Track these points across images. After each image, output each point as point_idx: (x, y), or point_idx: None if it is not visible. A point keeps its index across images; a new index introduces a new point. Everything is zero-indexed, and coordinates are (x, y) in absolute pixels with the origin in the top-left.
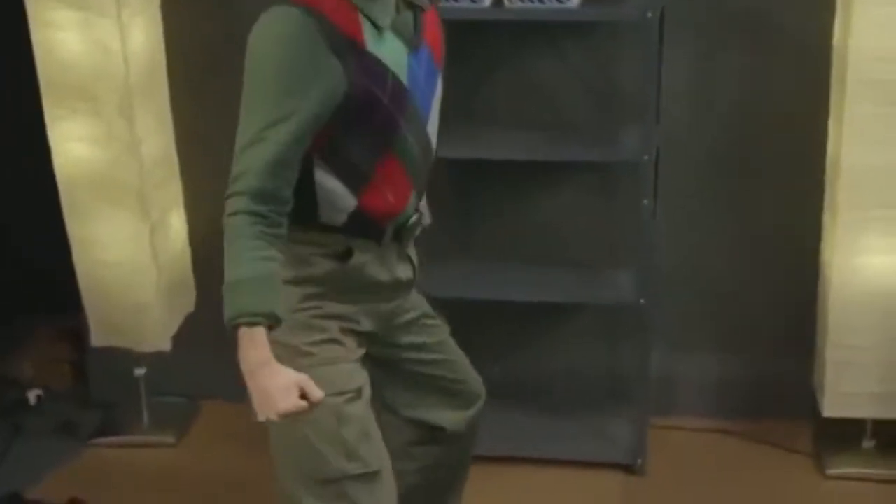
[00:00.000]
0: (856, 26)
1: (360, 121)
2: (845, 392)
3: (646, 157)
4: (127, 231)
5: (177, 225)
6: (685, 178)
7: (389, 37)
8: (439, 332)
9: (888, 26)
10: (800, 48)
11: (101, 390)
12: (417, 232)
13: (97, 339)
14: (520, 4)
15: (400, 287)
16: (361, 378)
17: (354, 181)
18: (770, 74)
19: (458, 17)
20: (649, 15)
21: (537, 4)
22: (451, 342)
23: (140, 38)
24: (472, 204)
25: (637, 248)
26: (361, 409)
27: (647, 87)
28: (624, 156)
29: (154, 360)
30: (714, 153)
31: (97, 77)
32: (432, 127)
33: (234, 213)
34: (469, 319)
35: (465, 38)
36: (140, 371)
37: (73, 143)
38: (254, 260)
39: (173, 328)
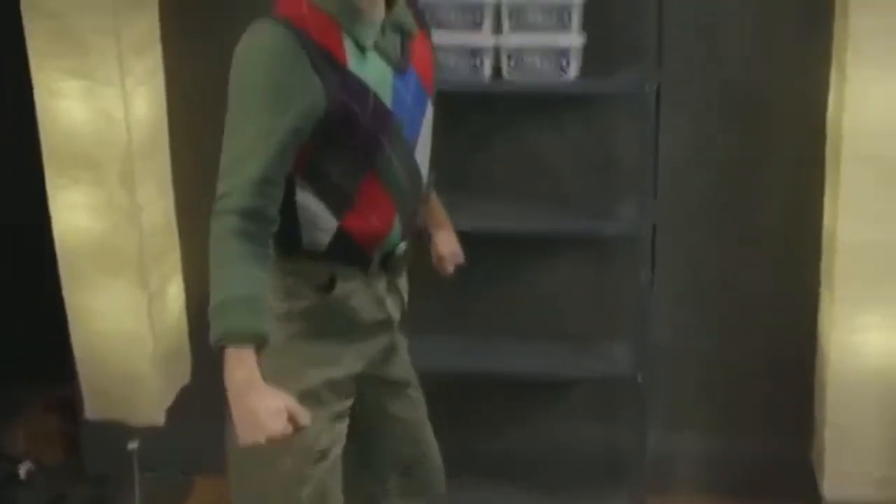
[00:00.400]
0: (850, 102)
1: (340, 139)
2: (846, 472)
3: (642, 231)
4: (124, 301)
5: (174, 294)
6: (682, 252)
7: (373, 57)
8: (418, 409)
9: (883, 102)
10: (796, 122)
11: (95, 463)
12: (406, 262)
13: (91, 410)
14: (518, 76)
15: (388, 322)
16: (331, 438)
17: (336, 202)
18: (766, 148)
19: (457, 88)
20: (646, 88)
21: (535, 77)
22: (428, 426)
23: (143, 106)
24: (467, 274)
25: (634, 321)
26: (323, 471)
27: (644, 160)
28: (621, 229)
29: (148, 433)
30: (711, 226)
31: (100, 146)
32: (422, 152)
33: (223, 234)
34: (463, 393)
35: (463, 107)
36: (133, 444)
37: (73, 212)
38: (241, 279)
39: (168, 400)
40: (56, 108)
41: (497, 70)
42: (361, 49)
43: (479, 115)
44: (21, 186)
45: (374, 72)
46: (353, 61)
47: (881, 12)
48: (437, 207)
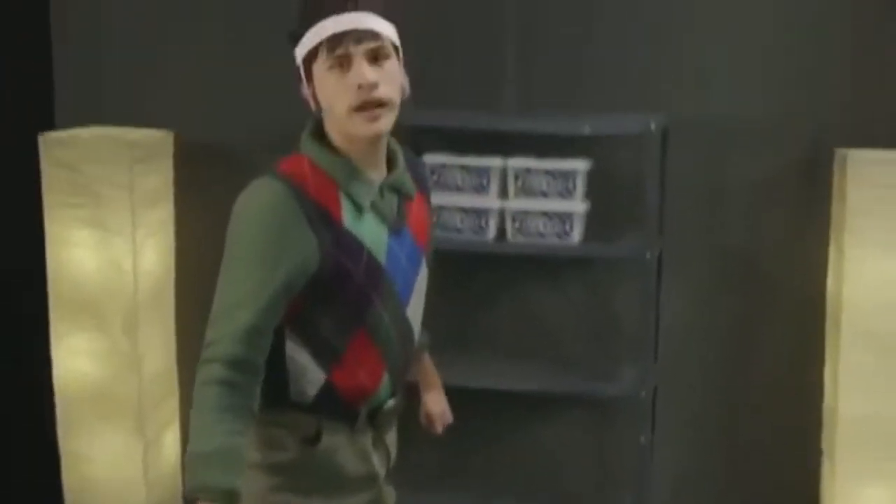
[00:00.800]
0: (848, 278)
1: (332, 294)
2: None
3: (643, 394)
4: (120, 447)
5: (171, 443)
6: (683, 415)
7: (369, 216)
8: None
9: (880, 279)
10: (795, 294)
11: None
12: (395, 418)
13: None
14: (522, 239)
15: (373, 478)
16: None
17: (325, 356)
18: (766, 316)
19: (462, 248)
20: (648, 255)
21: (539, 239)
22: None
23: (152, 257)
24: (469, 431)
25: (634, 482)
26: None
27: (645, 324)
28: (621, 391)
29: None
30: (711, 391)
31: (106, 294)
32: (414, 311)
33: (208, 382)
34: None
35: (467, 267)
36: None
37: (75, 358)
38: (221, 434)
39: None
40: (66, 256)
41: (502, 231)
42: (358, 208)
43: (484, 275)
44: (24, 330)
45: (369, 230)
46: (349, 219)
47: (878, 193)
48: (429, 367)
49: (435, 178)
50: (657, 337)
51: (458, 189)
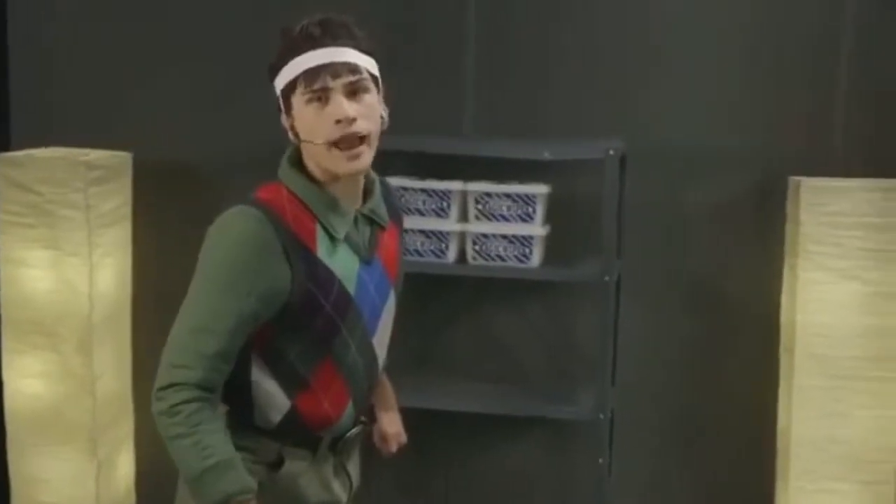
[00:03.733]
0: (802, 302)
1: (300, 323)
2: None
3: (601, 416)
4: (72, 469)
5: (124, 464)
6: (640, 437)
7: (343, 247)
8: None
9: (834, 303)
10: (751, 318)
11: None
12: (357, 446)
13: None
14: (482, 262)
15: None
16: None
17: (291, 383)
18: (722, 341)
19: (422, 270)
20: (606, 279)
21: (499, 262)
22: None
23: (108, 277)
24: (426, 454)
25: (593, 503)
26: None
27: (603, 348)
28: (579, 414)
29: None
30: (669, 413)
31: (61, 315)
32: (381, 341)
33: (175, 406)
34: None
35: (428, 290)
36: None
37: (27, 379)
38: (220, 443)
39: None
40: (20, 276)
41: (462, 254)
42: (333, 239)
43: (444, 298)
44: None
45: (342, 261)
46: (322, 250)
47: (830, 220)
48: (386, 388)
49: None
50: (615, 360)
51: (419, 212)
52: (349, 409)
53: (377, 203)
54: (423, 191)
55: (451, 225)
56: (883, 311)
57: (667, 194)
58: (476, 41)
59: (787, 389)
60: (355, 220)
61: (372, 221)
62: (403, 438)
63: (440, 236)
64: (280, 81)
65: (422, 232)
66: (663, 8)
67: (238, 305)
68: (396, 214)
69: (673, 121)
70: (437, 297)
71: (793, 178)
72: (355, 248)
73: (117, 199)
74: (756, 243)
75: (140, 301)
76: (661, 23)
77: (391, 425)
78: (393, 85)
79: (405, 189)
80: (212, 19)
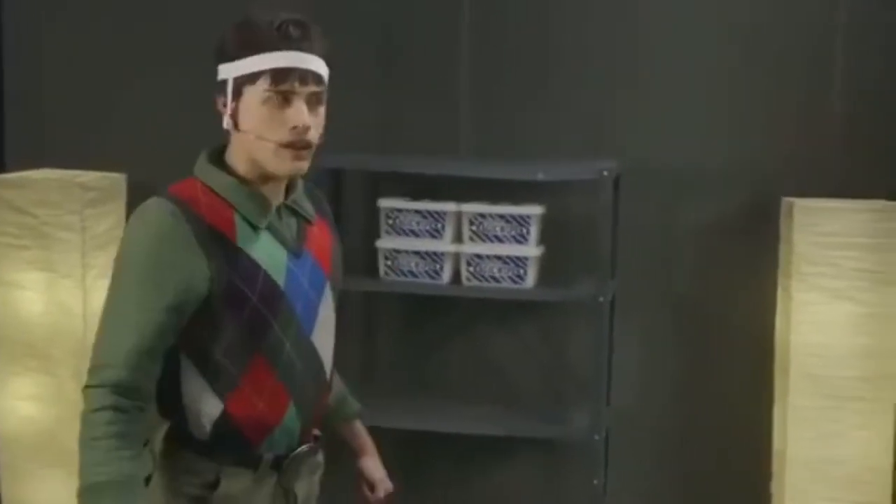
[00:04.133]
0: (796, 322)
1: (226, 317)
2: None
3: (596, 437)
4: (65, 493)
5: None
6: (635, 457)
7: (266, 237)
8: None
9: (827, 322)
10: (745, 338)
11: None
12: (304, 469)
13: None
14: (477, 283)
15: None
16: None
17: (220, 382)
18: (716, 360)
19: (417, 291)
20: (601, 299)
21: (493, 283)
22: None
23: (102, 299)
24: (421, 475)
25: None
26: None
27: (597, 368)
28: (574, 434)
29: None
30: (663, 433)
31: (54, 337)
32: (322, 339)
33: (95, 409)
34: None
35: (422, 311)
36: None
37: (20, 402)
38: (114, 461)
39: None
40: (14, 298)
41: (456, 275)
42: (254, 228)
43: (438, 319)
44: None
45: (266, 251)
46: (242, 239)
47: (823, 240)
48: (362, 433)
49: (391, 222)
50: (610, 380)
51: (414, 233)
52: (290, 415)
53: (300, 196)
54: (418, 212)
55: (445, 246)
56: (877, 332)
57: (660, 215)
58: (470, 63)
59: (782, 409)
60: (278, 212)
61: (297, 214)
62: (389, 485)
63: (435, 257)
64: (237, 68)
65: (416, 253)
66: (655, 29)
67: (156, 299)
68: (325, 214)
69: (666, 141)
70: (431, 318)
71: (786, 199)
72: (281, 240)
73: (111, 221)
74: (750, 263)
75: None
76: (654, 43)
77: (375, 471)
78: (387, 106)
79: (399, 210)
80: (208, 41)
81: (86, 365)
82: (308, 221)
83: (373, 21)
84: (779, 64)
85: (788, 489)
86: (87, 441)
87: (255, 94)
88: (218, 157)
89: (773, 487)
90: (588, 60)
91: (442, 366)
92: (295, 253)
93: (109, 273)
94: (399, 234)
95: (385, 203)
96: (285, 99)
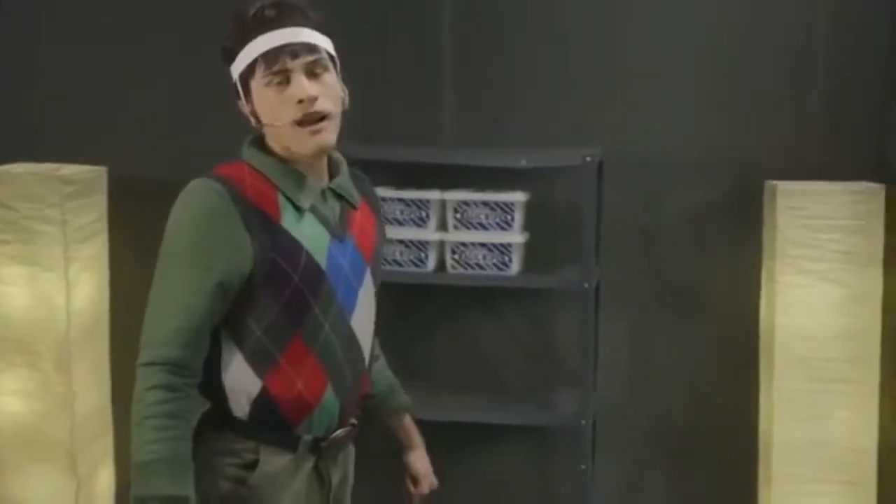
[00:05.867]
0: (780, 305)
1: (268, 296)
2: None
3: (583, 422)
4: (51, 488)
5: (104, 482)
6: (621, 444)
7: (310, 219)
8: None
9: (812, 305)
10: (730, 321)
11: None
12: (340, 454)
13: None
14: (462, 270)
15: None
16: None
17: (260, 361)
18: (701, 345)
19: (402, 280)
20: (585, 286)
21: (478, 271)
22: None
23: (85, 292)
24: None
25: None
26: None
27: (583, 354)
28: (561, 420)
29: None
30: (650, 420)
31: (38, 331)
32: (362, 324)
33: (148, 388)
34: None
35: (407, 299)
36: None
37: (4, 397)
38: (165, 440)
39: None
40: None
41: (441, 263)
42: (298, 209)
43: (424, 307)
44: None
45: (309, 233)
46: (288, 220)
47: (807, 223)
48: (411, 427)
49: None
50: (596, 366)
51: (398, 222)
52: (329, 396)
53: (345, 180)
54: (402, 200)
55: (429, 234)
56: (860, 314)
57: (644, 200)
58: (452, 51)
59: (768, 392)
60: (323, 195)
61: (342, 198)
62: (434, 480)
63: (419, 245)
64: (237, 66)
65: (401, 241)
66: (637, 16)
67: (204, 278)
68: (372, 200)
69: (648, 127)
70: (416, 306)
71: (769, 182)
72: (324, 222)
73: (93, 214)
74: (734, 247)
75: (117, 316)
76: (636, 30)
77: (422, 464)
78: (370, 95)
79: (384, 199)
80: (186, 34)
81: (69, 357)
82: (353, 206)
83: (355, 9)
84: (760, 48)
85: (775, 471)
86: (140, 419)
87: (258, 85)
88: (261, 143)
89: (760, 470)
90: (570, 48)
91: (428, 354)
92: (338, 236)
93: (94, 267)
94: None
95: None
96: (284, 78)
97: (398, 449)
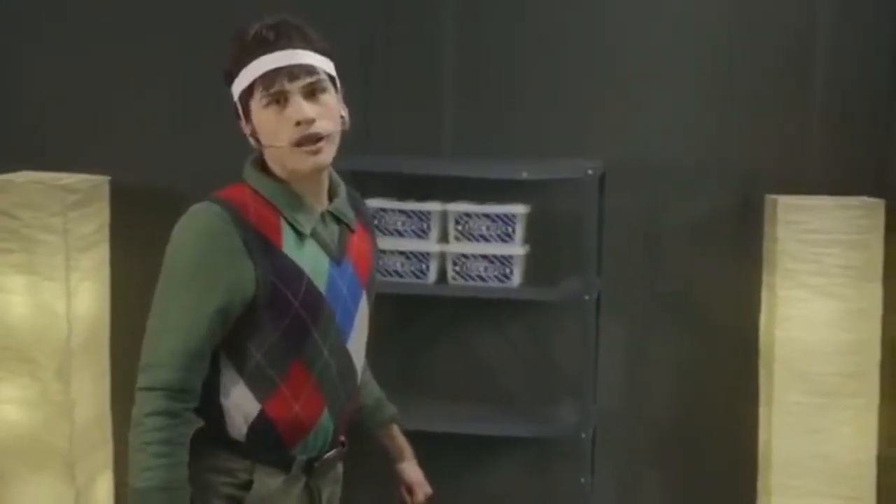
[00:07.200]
0: (781, 318)
1: (269, 321)
2: None
3: (583, 435)
4: (50, 497)
5: (103, 490)
6: (622, 456)
7: (310, 243)
8: None
9: (812, 319)
10: (730, 334)
11: None
12: (330, 473)
13: None
14: (463, 282)
15: None
16: None
17: (259, 385)
18: (702, 357)
19: (403, 291)
20: (587, 297)
21: (479, 282)
22: None
23: (86, 301)
24: None
25: None
26: None
27: (584, 366)
28: (562, 432)
29: None
30: (650, 431)
31: (39, 340)
32: (355, 347)
33: (149, 414)
34: None
35: (408, 311)
36: None
37: (4, 406)
38: (162, 467)
39: None
40: None
41: (442, 275)
42: (299, 234)
43: (425, 318)
44: None
45: (310, 257)
46: (289, 245)
47: (807, 237)
48: (400, 438)
49: (376, 222)
50: (596, 378)
51: (399, 233)
52: (324, 419)
53: (343, 203)
54: (403, 212)
55: (431, 246)
56: (860, 328)
57: (645, 213)
58: (454, 63)
59: (767, 405)
60: (322, 219)
61: (339, 221)
62: (428, 489)
63: (420, 257)
64: (237, 87)
65: (402, 253)
66: (638, 28)
67: (205, 302)
68: (366, 221)
69: (651, 140)
70: (417, 317)
71: (769, 197)
72: (324, 246)
73: (95, 223)
74: (734, 260)
75: (118, 325)
76: (637, 41)
77: (415, 473)
78: (371, 107)
79: (384, 210)
80: (188, 43)
81: (69, 366)
82: (350, 229)
83: (356, 21)
84: (762, 62)
85: (774, 484)
86: (139, 445)
87: (257, 106)
88: (261, 163)
89: (759, 483)
90: (572, 60)
91: (428, 365)
92: (336, 260)
93: (95, 276)
94: (384, 234)
95: (370, 203)
96: (282, 100)
97: (389, 460)
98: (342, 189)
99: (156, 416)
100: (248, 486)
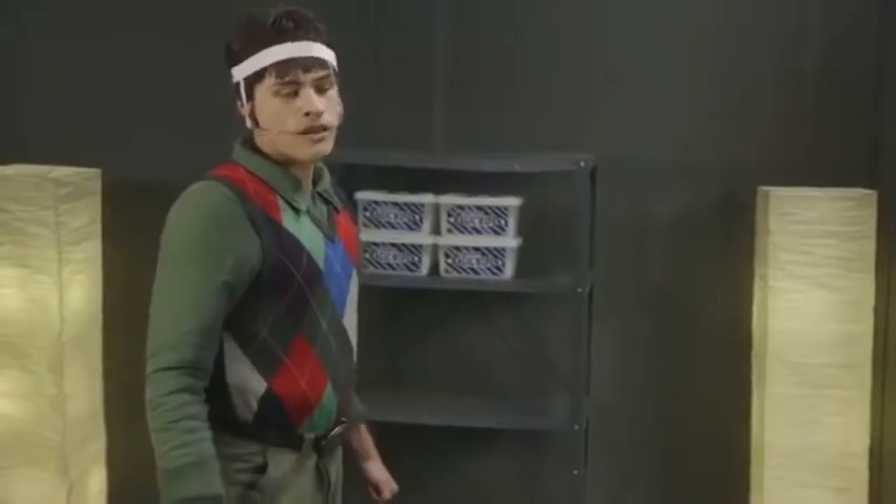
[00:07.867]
0: (773, 310)
1: (272, 295)
2: None
3: (576, 427)
4: (43, 491)
5: (96, 484)
6: (615, 448)
7: (306, 221)
8: None
9: (804, 311)
10: (723, 327)
11: None
12: (337, 451)
13: None
14: (455, 274)
15: None
16: None
17: (265, 362)
18: (694, 350)
19: (395, 283)
20: (579, 290)
21: (472, 275)
22: None
23: (78, 295)
24: (399, 468)
25: None
26: None
27: (576, 359)
28: (554, 425)
29: None
30: (643, 423)
31: (31, 334)
32: (350, 324)
33: (170, 392)
34: None
35: (401, 303)
36: None
37: None
38: (194, 442)
39: None
40: None
41: (435, 267)
42: (296, 211)
43: (417, 311)
44: None
45: (308, 233)
46: (288, 221)
47: (799, 229)
48: (367, 438)
49: (368, 215)
50: (589, 370)
51: (392, 226)
52: (328, 393)
53: (328, 184)
54: (395, 204)
55: (423, 238)
56: (852, 319)
57: (637, 205)
58: (445, 56)
59: (760, 397)
60: (313, 199)
61: (326, 202)
62: (394, 485)
63: (413, 249)
64: (244, 69)
65: (394, 245)
66: (629, 23)
67: (214, 278)
68: (347, 205)
69: (642, 133)
70: (410, 310)
71: (762, 188)
72: (318, 224)
73: (86, 216)
74: (726, 253)
75: (110, 319)
76: (628, 37)
77: (381, 472)
78: (364, 100)
79: (377, 203)
80: (179, 37)
81: (61, 360)
82: (337, 210)
83: (348, 14)
84: (751, 54)
85: (767, 476)
86: (164, 424)
87: (265, 91)
88: (251, 144)
89: (752, 475)
90: (563, 53)
91: (421, 358)
92: (330, 238)
93: (87, 269)
94: (377, 226)
95: (362, 196)
96: (293, 89)
97: (355, 459)
98: (326, 172)
99: (179, 394)
100: (262, 469)
